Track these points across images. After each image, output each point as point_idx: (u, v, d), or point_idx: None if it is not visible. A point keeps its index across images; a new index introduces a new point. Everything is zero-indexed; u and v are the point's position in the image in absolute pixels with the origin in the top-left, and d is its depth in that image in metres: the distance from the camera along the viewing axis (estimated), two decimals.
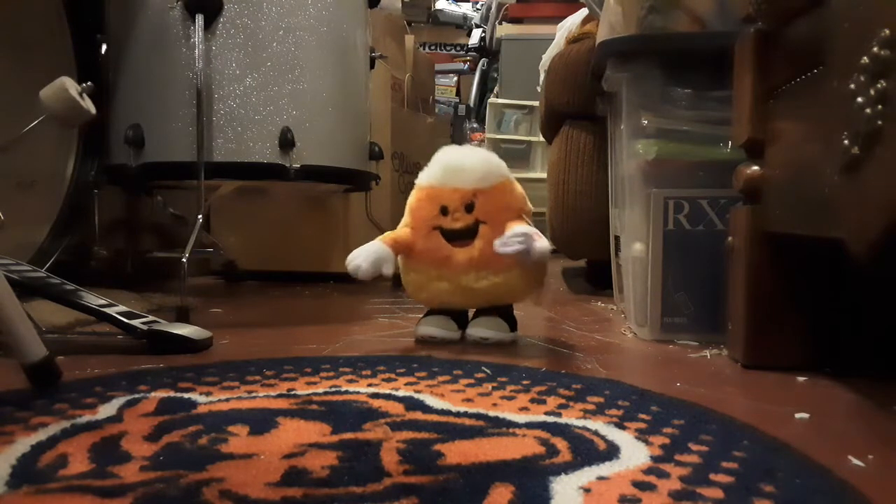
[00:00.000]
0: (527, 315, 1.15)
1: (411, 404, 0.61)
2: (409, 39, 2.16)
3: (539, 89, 1.80)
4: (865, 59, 0.50)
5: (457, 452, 0.48)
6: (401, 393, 0.65)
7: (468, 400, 0.63)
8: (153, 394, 0.64)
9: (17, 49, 1.23)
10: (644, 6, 1.05)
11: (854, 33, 0.54)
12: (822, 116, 0.63)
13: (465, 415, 0.58)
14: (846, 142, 0.53)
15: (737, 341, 0.82)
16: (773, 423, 0.58)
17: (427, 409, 0.60)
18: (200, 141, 1.17)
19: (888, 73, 0.48)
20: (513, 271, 0.88)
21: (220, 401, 0.62)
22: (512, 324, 0.94)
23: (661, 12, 1.04)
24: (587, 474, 0.45)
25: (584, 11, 1.68)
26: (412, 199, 0.93)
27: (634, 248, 1.01)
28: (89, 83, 0.97)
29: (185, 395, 0.64)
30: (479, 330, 0.92)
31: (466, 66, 4.19)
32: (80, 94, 0.95)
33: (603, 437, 0.52)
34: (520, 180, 0.95)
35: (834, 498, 0.43)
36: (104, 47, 1.28)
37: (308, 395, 0.64)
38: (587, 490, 0.42)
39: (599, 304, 1.34)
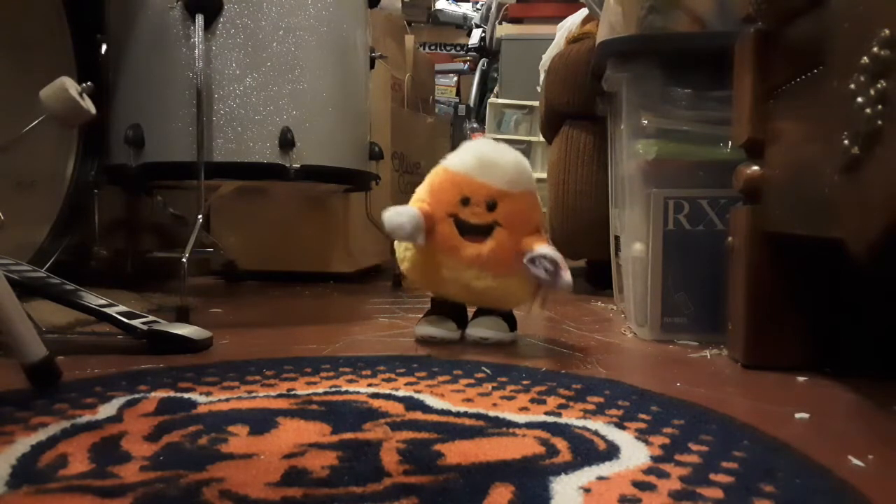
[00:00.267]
0: (527, 315, 1.15)
1: (411, 404, 0.61)
2: (409, 39, 2.16)
3: (539, 89, 1.80)
4: (865, 59, 0.50)
5: (457, 452, 0.48)
6: (401, 393, 0.65)
7: (468, 400, 0.63)
8: (153, 394, 0.64)
9: (17, 49, 1.23)
10: (644, 6, 1.05)
11: (854, 33, 0.54)
12: (822, 116, 0.63)
13: (465, 415, 0.58)
14: (846, 142, 0.53)
15: (737, 341, 0.82)
16: (773, 423, 0.58)
17: (427, 409, 0.60)
18: (200, 141, 1.17)
19: (888, 73, 0.48)
20: (512, 279, 0.87)
21: (220, 401, 0.62)
22: (512, 324, 0.94)
23: (661, 12, 1.04)
24: (587, 474, 0.45)
25: (584, 11, 1.68)
26: (435, 178, 0.90)
27: (634, 248, 1.01)
28: (89, 83, 0.97)
29: (185, 395, 0.63)
30: (479, 330, 0.92)
31: (466, 66, 4.19)
32: (80, 94, 0.95)
33: (603, 437, 0.52)
34: None
35: (834, 498, 0.43)
36: (104, 47, 1.27)
37: (308, 395, 0.64)
38: (587, 490, 0.42)
39: (599, 304, 1.34)
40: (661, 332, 0.96)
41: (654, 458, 0.48)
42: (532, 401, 0.63)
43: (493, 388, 0.67)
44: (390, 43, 1.95)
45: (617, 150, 1.17)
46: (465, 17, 4.26)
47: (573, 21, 1.79)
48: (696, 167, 0.96)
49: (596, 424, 0.56)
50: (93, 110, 0.97)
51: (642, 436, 0.53)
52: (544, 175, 1.75)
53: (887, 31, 0.48)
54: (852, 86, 0.52)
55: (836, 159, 0.55)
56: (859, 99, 0.51)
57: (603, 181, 1.37)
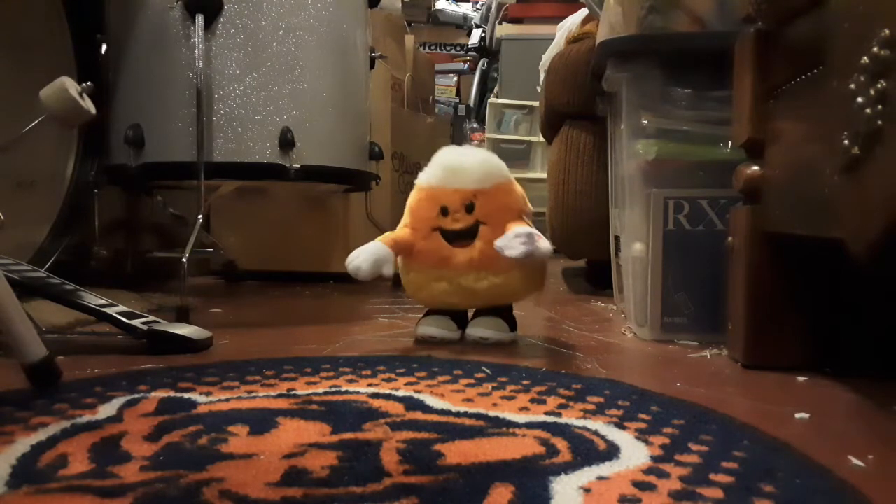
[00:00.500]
0: (527, 315, 1.15)
1: (411, 404, 0.61)
2: (409, 39, 2.16)
3: (539, 89, 1.80)
4: (865, 59, 0.50)
5: (457, 452, 0.48)
6: (401, 393, 0.65)
7: (468, 400, 0.63)
8: (153, 394, 0.64)
9: (17, 49, 1.23)
10: (644, 6, 1.05)
11: (854, 33, 0.54)
12: (822, 116, 0.63)
13: (465, 415, 0.58)
14: (846, 142, 0.53)
15: (737, 341, 0.82)
16: (773, 423, 0.58)
17: (427, 409, 0.60)
18: (200, 141, 1.17)
19: (888, 73, 0.48)
20: (513, 272, 0.88)
21: (220, 401, 0.62)
22: (512, 324, 0.94)
23: (661, 12, 1.04)
24: (587, 474, 0.45)
25: (584, 11, 1.68)
26: (412, 199, 0.93)
27: (634, 248, 1.01)
28: (89, 83, 0.97)
29: (185, 395, 0.63)
30: (479, 330, 0.92)
31: (466, 66, 4.20)
32: (80, 94, 0.95)
33: (603, 437, 0.52)
34: (520, 180, 0.95)
35: (834, 498, 0.43)
36: (104, 47, 1.28)
37: (308, 395, 0.64)
38: (587, 490, 0.42)
39: (599, 304, 1.34)
40: (661, 332, 0.96)
41: (654, 458, 0.48)
42: (532, 401, 0.63)
43: (493, 388, 0.67)
44: (390, 43, 1.95)
45: (617, 150, 1.17)
46: (465, 17, 4.26)
47: (573, 21, 1.79)
48: (696, 167, 0.96)
49: (596, 424, 0.56)
50: (93, 110, 0.97)
51: (642, 436, 0.53)
52: (544, 175, 1.75)
53: (887, 31, 0.48)
54: (852, 86, 0.52)
55: (836, 159, 0.55)
56: (859, 99, 0.51)
57: (603, 181, 1.37)
